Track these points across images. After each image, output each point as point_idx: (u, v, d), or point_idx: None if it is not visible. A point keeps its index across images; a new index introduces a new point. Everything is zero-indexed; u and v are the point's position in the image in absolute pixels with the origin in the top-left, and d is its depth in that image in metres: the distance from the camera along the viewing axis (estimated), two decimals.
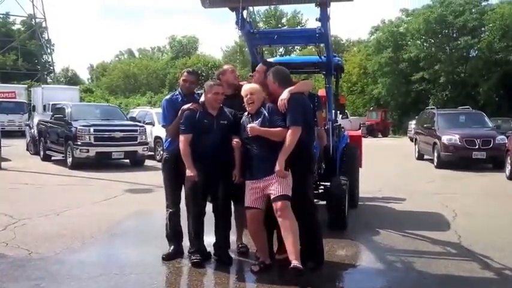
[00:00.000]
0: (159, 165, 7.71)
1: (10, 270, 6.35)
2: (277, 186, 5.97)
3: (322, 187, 9.14)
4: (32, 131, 22.93)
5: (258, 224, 6.24)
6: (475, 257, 7.24)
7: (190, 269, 6.41)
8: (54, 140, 19.40)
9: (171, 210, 6.88)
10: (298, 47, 64.70)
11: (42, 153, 20.64)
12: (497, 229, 9.00)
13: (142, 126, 19.43)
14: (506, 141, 17.39)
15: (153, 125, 21.32)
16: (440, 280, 6.24)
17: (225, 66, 7.38)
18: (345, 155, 9.76)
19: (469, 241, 8.02)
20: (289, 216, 5.90)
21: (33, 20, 70.05)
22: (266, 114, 6.15)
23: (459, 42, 46.34)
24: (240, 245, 7.22)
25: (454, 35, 47.91)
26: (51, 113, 22.35)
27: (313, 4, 6.80)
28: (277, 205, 5.91)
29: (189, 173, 6.29)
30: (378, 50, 52.96)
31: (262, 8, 65.62)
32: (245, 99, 6.23)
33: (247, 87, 6.29)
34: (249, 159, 6.23)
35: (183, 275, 6.37)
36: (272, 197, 5.97)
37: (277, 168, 5.94)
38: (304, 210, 6.24)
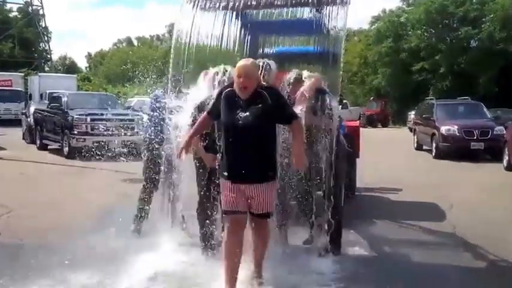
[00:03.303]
0: None
1: (1, 260, 6.32)
2: (261, 201, 5.24)
3: None
4: (29, 119, 22.81)
5: (241, 235, 5.36)
6: (471, 248, 7.26)
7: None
8: (51, 129, 19.37)
9: None
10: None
11: (38, 142, 20.58)
12: (494, 220, 8.97)
13: (140, 116, 19.37)
14: (505, 132, 17.36)
15: None
16: (435, 271, 6.26)
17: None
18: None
19: (465, 232, 8.03)
20: (266, 234, 5.53)
21: (30, 7, 69.78)
22: (271, 102, 5.15)
23: (460, 32, 46.25)
24: None
25: (455, 25, 47.81)
26: (48, 102, 22.30)
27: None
28: (257, 221, 5.38)
29: None
30: (378, 40, 52.95)
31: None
32: (237, 81, 5.21)
33: (241, 66, 5.25)
34: (230, 159, 5.29)
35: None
36: (252, 211, 5.31)
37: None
38: None
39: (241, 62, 5.33)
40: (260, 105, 5.14)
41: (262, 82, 5.40)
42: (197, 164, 6.44)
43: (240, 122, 5.15)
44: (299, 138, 5.36)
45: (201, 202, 6.47)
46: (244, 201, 5.24)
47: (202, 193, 6.46)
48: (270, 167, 5.27)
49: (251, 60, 5.48)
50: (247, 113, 5.14)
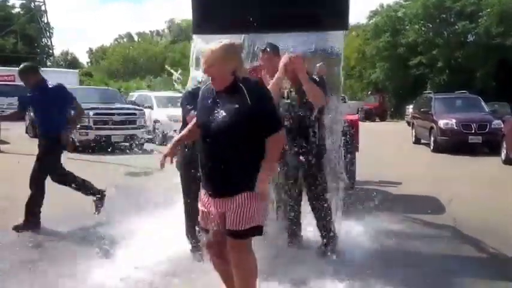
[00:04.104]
0: (159, 148, 7.80)
1: (5, 252, 6.48)
2: (235, 215, 4.31)
3: None
4: (32, 114, 22.86)
5: (220, 255, 4.60)
6: (470, 241, 7.37)
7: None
8: None
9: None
10: None
11: None
12: (492, 213, 9.07)
13: (142, 110, 19.55)
14: (502, 126, 17.53)
15: (152, 109, 21.45)
16: (435, 262, 6.32)
17: None
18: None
19: (464, 225, 8.12)
20: (243, 262, 4.42)
21: (32, 3, 69.93)
22: (250, 103, 4.25)
23: (457, 27, 46.24)
24: None
25: (452, 20, 47.76)
26: None
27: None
28: (230, 242, 4.39)
29: None
30: (376, 34, 52.84)
31: None
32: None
33: (204, 50, 4.44)
34: (202, 166, 4.48)
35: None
36: (228, 227, 4.38)
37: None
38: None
39: (209, 45, 4.39)
40: (237, 106, 4.20)
41: (240, 71, 4.36)
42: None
43: (212, 123, 4.30)
44: (271, 156, 4.28)
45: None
46: (218, 217, 4.42)
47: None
48: (247, 177, 4.26)
49: (225, 41, 4.31)
50: (223, 113, 4.25)
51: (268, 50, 6.54)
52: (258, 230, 4.37)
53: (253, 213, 4.28)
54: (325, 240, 6.40)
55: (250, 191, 4.25)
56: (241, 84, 4.23)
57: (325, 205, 6.43)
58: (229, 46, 4.26)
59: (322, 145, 6.50)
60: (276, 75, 6.14)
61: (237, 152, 4.20)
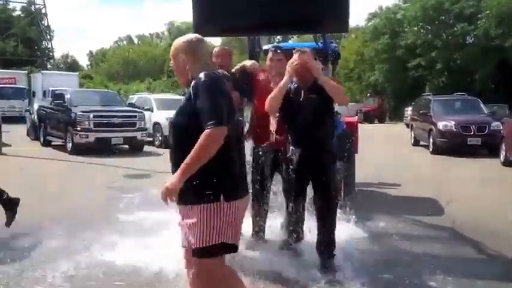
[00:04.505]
0: (158, 150, 7.82)
1: (8, 255, 6.42)
2: (186, 230, 3.80)
3: None
4: (32, 116, 23.04)
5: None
6: (469, 242, 7.38)
7: None
8: (54, 126, 19.58)
9: None
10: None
11: (42, 138, 20.83)
12: (491, 215, 9.09)
13: (141, 112, 19.59)
14: (501, 128, 17.57)
15: (152, 111, 21.50)
16: (434, 264, 6.29)
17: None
18: (340, 142, 9.79)
19: (463, 227, 8.13)
20: (195, 282, 3.88)
21: (32, 6, 70.17)
22: (192, 98, 3.76)
23: (456, 29, 46.37)
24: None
25: (451, 22, 47.83)
26: (51, 99, 22.50)
27: None
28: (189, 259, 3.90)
29: None
30: (375, 36, 52.95)
31: None
32: None
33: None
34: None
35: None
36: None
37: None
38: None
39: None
40: (182, 104, 3.88)
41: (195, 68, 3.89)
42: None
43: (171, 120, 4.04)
44: (193, 151, 3.57)
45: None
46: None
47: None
48: (200, 184, 3.66)
49: (186, 36, 4.06)
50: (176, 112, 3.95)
51: (279, 51, 6.51)
52: (204, 251, 3.71)
53: (203, 232, 3.67)
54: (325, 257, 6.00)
55: (198, 203, 3.69)
56: (193, 80, 3.81)
57: (334, 218, 6.10)
58: (184, 41, 3.98)
59: (333, 150, 6.25)
60: (285, 78, 5.91)
61: (184, 154, 3.64)
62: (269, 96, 5.94)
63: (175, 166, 3.71)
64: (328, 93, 5.78)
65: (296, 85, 6.04)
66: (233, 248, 3.80)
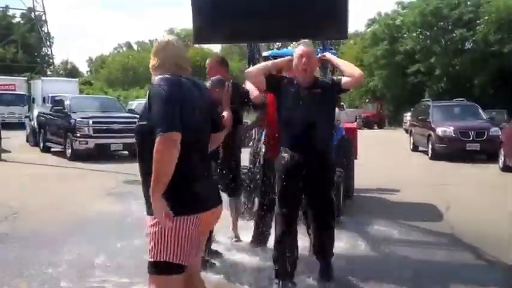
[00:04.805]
0: None
1: (8, 261, 6.47)
2: (151, 243, 3.51)
3: None
4: (32, 122, 23.07)
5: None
6: (467, 248, 7.38)
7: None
8: (54, 132, 19.58)
9: None
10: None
11: (41, 144, 20.83)
12: (490, 220, 9.06)
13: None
14: (500, 133, 17.60)
15: None
16: (433, 270, 6.33)
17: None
18: (340, 148, 9.67)
19: (462, 232, 8.14)
20: None
21: (32, 13, 70.37)
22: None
23: (454, 34, 46.53)
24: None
25: (450, 28, 47.95)
26: (51, 105, 22.52)
27: None
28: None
29: None
30: (374, 42, 53.09)
31: None
32: None
33: None
34: None
35: None
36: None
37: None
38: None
39: None
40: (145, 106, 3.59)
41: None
42: None
43: None
44: (153, 168, 3.33)
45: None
46: None
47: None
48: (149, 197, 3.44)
49: (164, 37, 3.86)
50: None
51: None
52: (151, 266, 3.51)
53: (151, 243, 3.49)
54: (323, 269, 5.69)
55: (151, 214, 3.49)
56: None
57: (332, 232, 5.72)
58: (159, 43, 3.79)
59: (332, 159, 5.82)
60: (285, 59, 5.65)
61: (143, 163, 3.58)
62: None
63: (140, 175, 3.59)
64: (341, 68, 5.58)
65: (295, 81, 5.46)
66: (177, 269, 3.46)
